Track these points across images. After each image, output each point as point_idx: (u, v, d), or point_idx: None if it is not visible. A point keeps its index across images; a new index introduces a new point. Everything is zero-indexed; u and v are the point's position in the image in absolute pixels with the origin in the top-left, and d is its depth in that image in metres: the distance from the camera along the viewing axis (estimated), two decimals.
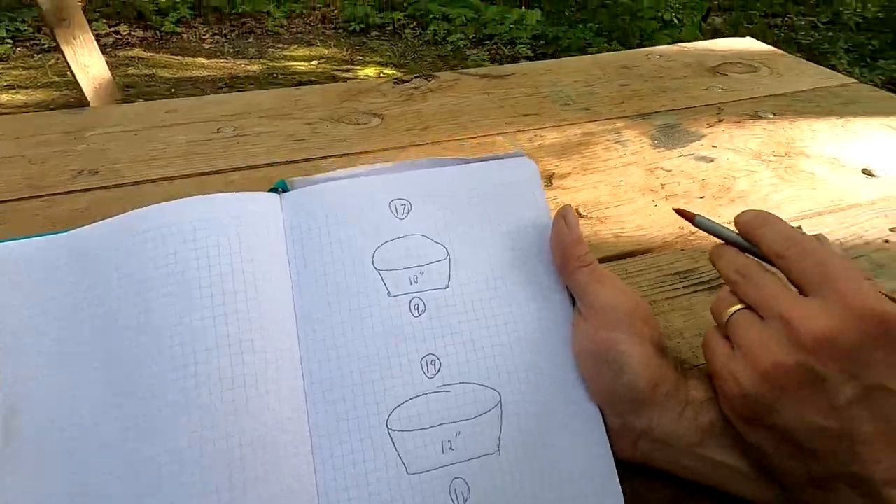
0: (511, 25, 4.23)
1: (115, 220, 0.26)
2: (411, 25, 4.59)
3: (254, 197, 0.27)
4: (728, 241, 0.27)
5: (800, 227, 0.27)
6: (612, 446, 0.25)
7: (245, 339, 0.23)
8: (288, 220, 0.27)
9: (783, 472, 0.22)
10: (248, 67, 3.69)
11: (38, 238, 0.26)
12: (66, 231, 0.26)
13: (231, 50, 4.03)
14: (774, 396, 0.21)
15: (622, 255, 0.42)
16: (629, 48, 4.08)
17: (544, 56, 4.08)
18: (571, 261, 0.26)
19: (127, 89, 3.11)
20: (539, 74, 0.74)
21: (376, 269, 0.26)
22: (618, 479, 0.25)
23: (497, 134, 0.58)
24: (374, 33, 4.56)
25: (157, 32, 4.23)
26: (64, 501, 0.22)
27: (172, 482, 0.21)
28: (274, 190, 0.28)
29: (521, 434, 0.25)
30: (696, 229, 0.32)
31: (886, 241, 0.42)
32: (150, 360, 0.23)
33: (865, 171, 0.51)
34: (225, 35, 4.36)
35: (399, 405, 0.24)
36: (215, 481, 0.21)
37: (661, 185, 0.49)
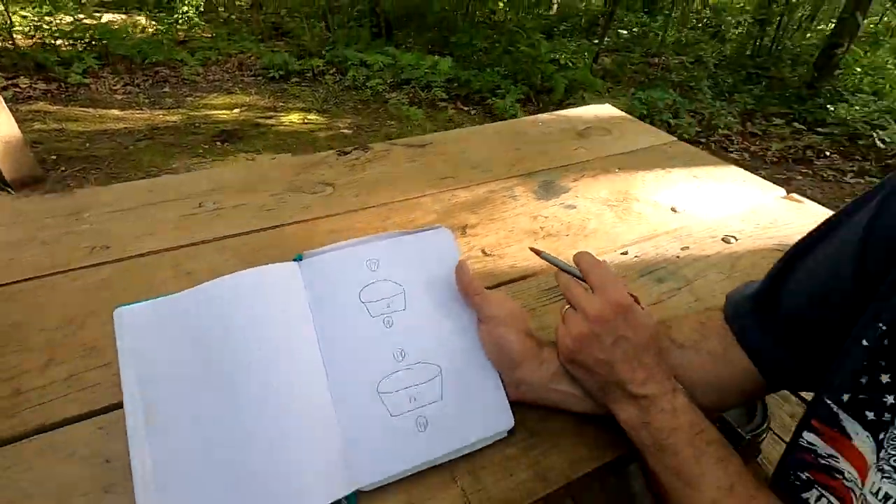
0: (426, 70, 4.56)
1: (204, 288, 0.41)
2: (331, 72, 4.79)
3: (284, 266, 0.43)
4: (561, 269, 0.47)
5: (604, 260, 0.48)
6: (505, 390, 0.44)
7: (293, 349, 0.40)
8: (306, 279, 0.43)
9: (588, 387, 0.42)
10: (167, 118, 3.67)
11: (149, 301, 0.40)
12: (170, 295, 0.41)
13: (146, 100, 3.98)
14: (578, 348, 0.40)
15: (515, 280, 0.61)
16: (532, 88, 4.51)
17: (458, 97, 4.43)
18: (468, 292, 0.45)
19: (35, 146, 3.00)
20: (452, 143, 0.95)
21: (362, 302, 0.43)
22: (510, 407, 0.43)
23: (423, 195, 0.77)
24: (294, 80, 4.70)
25: (63, 84, 4.09)
26: (185, 456, 0.36)
27: (257, 439, 0.37)
28: (296, 258, 0.44)
29: (454, 388, 0.42)
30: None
31: (677, 257, 0.66)
32: (236, 377, 0.38)
33: (672, 209, 0.76)
34: (138, 85, 4.30)
35: (383, 378, 0.41)
36: (280, 427, 0.37)
37: (541, 227, 0.71)
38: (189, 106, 3.95)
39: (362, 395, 0.41)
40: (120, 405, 0.43)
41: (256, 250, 0.63)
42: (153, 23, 5.96)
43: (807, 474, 0.38)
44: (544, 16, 7.71)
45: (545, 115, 1.09)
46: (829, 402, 0.36)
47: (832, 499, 0.36)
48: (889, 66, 5.16)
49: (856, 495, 0.34)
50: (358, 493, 0.38)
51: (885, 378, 0.33)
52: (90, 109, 3.75)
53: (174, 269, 0.59)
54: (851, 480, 0.35)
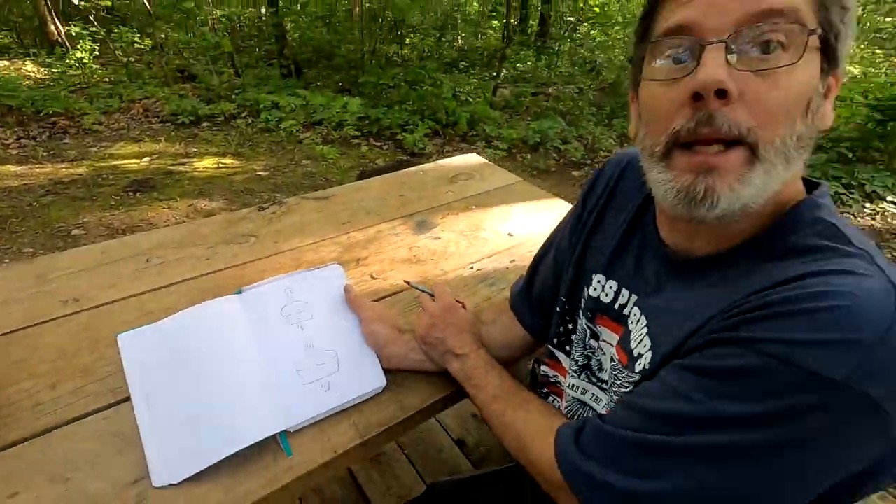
0: (338, 110, 4.82)
1: (176, 316, 0.63)
2: (242, 115, 4.90)
3: (229, 298, 0.66)
4: (420, 290, 0.73)
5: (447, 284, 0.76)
6: (380, 362, 0.70)
7: (241, 348, 0.63)
8: (245, 305, 0.67)
9: (432, 356, 0.69)
10: (72, 171, 3.61)
11: (141, 328, 0.62)
12: (152, 324, 0.62)
13: (46, 153, 3.87)
14: (426, 332, 0.67)
15: (393, 294, 0.88)
16: (439, 123, 4.89)
17: (370, 134, 4.73)
18: (352, 304, 0.71)
19: None
20: (352, 193, 1.21)
21: (283, 315, 0.68)
22: (383, 373, 0.69)
23: (326, 238, 1.02)
24: (205, 124, 4.75)
25: None
26: (174, 421, 0.58)
27: (216, 418, 0.60)
28: (237, 292, 0.68)
29: (346, 363, 0.68)
30: (426, 278, 0.80)
31: (506, 268, 0.96)
32: (205, 370, 0.61)
33: (509, 234, 1.07)
34: (34, 137, 4.15)
35: (300, 359, 0.66)
36: (235, 396, 0.60)
37: (414, 256, 0.98)
38: (94, 157, 3.90)
39: (287, 372, 0.65)
40: (115, 404, 0.64)
41: (203, 291, 0.84)
42: (43, 70, 5.73)
43: (545, 389, 0.67)
44: (446, 55, 8.30)
45: (427, 165, 1.39)
46: (549, 346, 0.66)
47: (557, 399, 0.65)
48: None
49: (561, 388, 0.64)
50: (286, 434, 0.62)
51: (567, 322, 0.63)
52: None
53: (138, 310, 0.79)
54: (560, 383, 0.65)
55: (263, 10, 8.11)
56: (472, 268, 0.96)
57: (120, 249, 0.94)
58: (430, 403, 0.68)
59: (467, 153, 1.52)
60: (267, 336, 0.66)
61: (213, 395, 0.60)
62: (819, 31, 0.39)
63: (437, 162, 1.42)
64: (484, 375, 0.63)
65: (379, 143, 4.60)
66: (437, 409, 0.69)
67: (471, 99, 5.41)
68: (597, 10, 8.38)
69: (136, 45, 6.79)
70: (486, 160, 1.44)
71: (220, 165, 3.93)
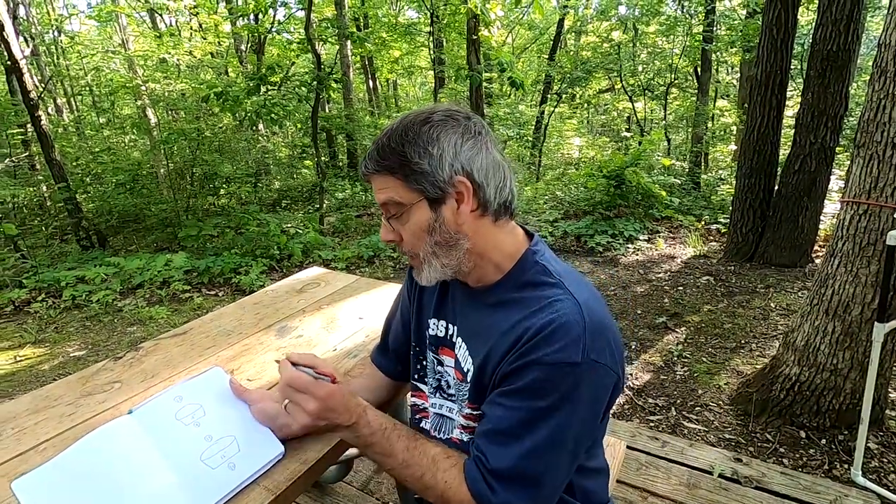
0: (161, 269, 4.60)
1: (72, 448, 0.68)
2: (39, 298, 4.33)
3: (123, 418, 0.74)
4: (298, 366, 0.87)
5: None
6: (276, 433, 0.82)
7: (145, 459, 0.70)
8: (140, 421, 0.74)
9: (325, 429, 0.81)
10: None
11: (36, 469, 0.65)
12: (45, 463, 0.66)
13: None
14: (317, 417, 0.74)
15: (272, 386, 1.00)
16: (272, 258, 4.96)
17: (202, 284, 4.57)
18: (239, 392, 0.84)
19: None
20: (208, 322, 1.31)
21: (177, 419, 0.77)
22: (279, 441, 0.81)
23: (195, 364, 1.10)
24: None
25: None
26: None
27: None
28: (129, 412, 0.75)
29: (245, 442, 0.78)
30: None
31: (363, 342, 1.16)
32: (114, 486, 0.67)
33: (360, 318, 1.29)
34: None
35: (202, 451, 0.74)
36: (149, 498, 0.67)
37: (282, 355, 1.13)
38: None
39: (193, 465, 0.73)
40: None
41: (77, 438, 0.86)
42: None
43: (417, 416, 0.87)
44: (266, 197, 8.58)
45: (274, 285, 1.56)
46: (412, 381, 0.87)
47: (425, 419, 0.85)
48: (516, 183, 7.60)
49: (426, 410, 0.85)
50: None
51: (421, 359, 0.86)
52: None
53: (7, 477, 0.78)
54: (426, 408, 0.85)
55: (45, 188, 7.49)
56: (335, 349, 1.14)
57: None
58: (327, 452, 0.82)
59: None
60: (167, 441, 0.74)
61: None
62: (414, 198, 0.69)
63: (282, 281, 1.60)
64: (386, 442, 0.72)
65: (213, 292, 4.47)
66: (335, 455, 0.83)
67: (300, 231, 5.66)
68: None
69: None
70: (327, 270, 1.67)
71: (18, 359, 3.38)
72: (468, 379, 0.75)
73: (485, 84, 7.65)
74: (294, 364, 0.76)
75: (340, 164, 10.46)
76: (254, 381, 1.02)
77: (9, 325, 3.97)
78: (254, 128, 8.50)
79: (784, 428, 2.02)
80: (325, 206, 6.89)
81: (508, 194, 0.73)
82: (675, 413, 2.25)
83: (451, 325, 0.81)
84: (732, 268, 4.04)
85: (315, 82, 6.02)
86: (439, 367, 0.83)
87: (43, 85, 9.32)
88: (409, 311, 0.88)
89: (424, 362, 0.85)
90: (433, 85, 10.32)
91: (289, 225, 5.84)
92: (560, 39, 10.92)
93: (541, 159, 9.83)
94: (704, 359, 2.71)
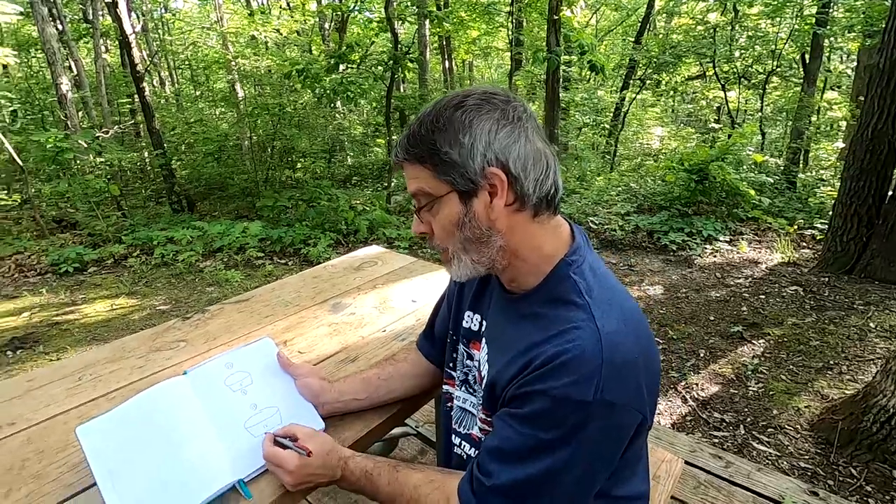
0: (238, 235, 4.91)
1: (131, 400, 0.73)
2: (135, 254, 4.78)
3: (178, 378, 0.77)
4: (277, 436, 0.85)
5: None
6: (318, 410, 0.83)
7: (194, 419, 0.74)
8: (192, 382, 0.78)
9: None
10: None
11: (98, 417, 0.70)
12: (108, 412, 0.71)
13: None
14: (300, 481, 0.70)
15: (321, 361, 1.02)
16: (340, 233, 5.13)
17: (273, 253, 4.83)
18: (286, 366, 0.86)
19: None
20: (270, 292, 1.36)
21: (226, 385, 0.80)
22: (321, 418, 0.82)
23: (253, 331, 1.15)
24: (92, 270, 4.54)
25: None
26: (147, 496, 0.66)
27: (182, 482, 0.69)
28: (184, 373, 0.79)
29: (288, 415, 0.80)
30: (347, 345, 0.96)
31: (413, 325, 1.15)
32: (163, 441, 0.71)
33: (413, 300, 1.28)
34: None
35: (247, 419, 0.77)
36: (195, 458, 0.70)
37: (334, 331, 1.14)
38: None
39: (237, 432, 0.76)
40: (72, 496, 0.70)
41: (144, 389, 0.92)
42: None
43: (448, 403, 0.84)
44: (338, 172, 8.88)
45: (334, 260, 1.59)
46: (447, 369, 0.84)
47: (454, 406, 0.82)
48: (588, 172, 7.31)
49: (453, 398, 0.82)
50: (244, 482, 0.72)
51: (454, 349, 0.82)
52: None
53: (80, 419, 0.85)
54: (451, 393, 0.83)
55: (146, 154, 8.21)
56: (384, 330, 1.14)
57: (46, 376, 0.99)
58: (365, 434, 0.82)
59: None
60: (215, 405, 0.77)
61: (174, 463, 0.69)
62: (443, 190, 0.63)
63: (341, 257, 1.63)
64: (370, 484, 0.71)
65: (283, 261, 4.71)
66: (372, 438, 0.83)
67: (367, 208, 5.80)
68: None
69: (1, 202, 6.43)
70: (385, 249, 1.68)
71: (115, 307, 3.76)
72: (484, 384, 0.72)
73: (563, 67, 7.36)
74: (276, 436, 0.74)
75: None
76: (304, 354, 1.05)
77: (109, 276, 4.42)
78: (331, 105, 8.77)
79: (873, 465, 1.80)
80: (392, 184, 7.01)
81: (551, 187, 0.65)
82: (743, 432, 2.08)
83: (483, 322, 0.78)
84: (827, 279, 3.64)
85: (391, 61, 6.07)
86: (468, 361, 0.80)
87: (149, 59, 10.15)
88: (452, 300, 0.85)
89: (455, 353, 0.83)
90: (509, 67, 10.08)
91: (357, 201, 6.00)
92: (649, 21, 10.23)
93: (617, 148, 9.36)
94: (784, 376, 2.47)
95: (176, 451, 0.70)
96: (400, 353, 0.93)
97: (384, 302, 1.28)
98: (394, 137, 8.32)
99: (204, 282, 4.22)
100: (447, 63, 12.59)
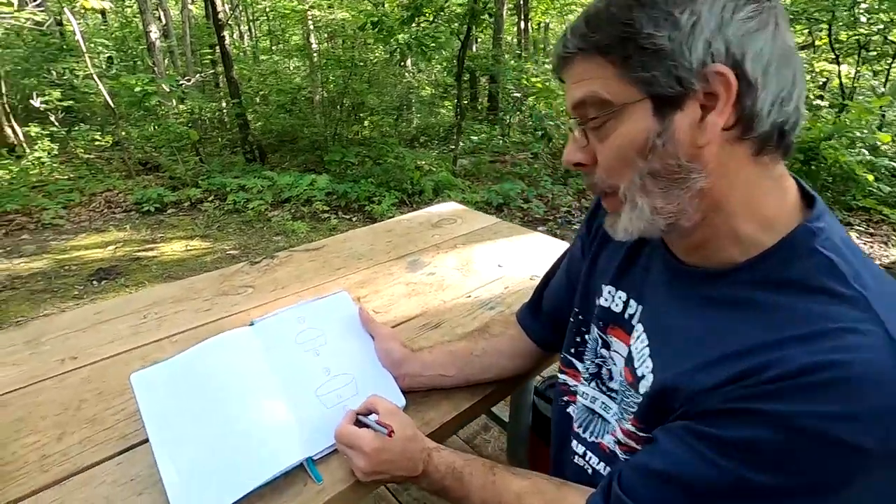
0: (305, 188, 4.94)
1: (191, 351, 0.63)
2: (209, 199, 4.94)
3: (243, 329, 0.67)
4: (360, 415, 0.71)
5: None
6: (398, 383, 0.70)
7: (259, 379, 0.63)
8: (259, 335, 0.67)
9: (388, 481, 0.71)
10: (31, 265, 3.48)
11: (155, 365, 0.61)
12: (165, 360, 0.62)
13: (2, 251, 3.73)
14: (368, 474, 0.58)
15: (398, 324, 0.90)
16: (404, 192, 5.05)
17: (338, 207, 4.83)
18: (368, 323, 0.73)
19: None
20: (341, 243, 1.25)
21: (298, 343, 0.68)
22: (401, 392, 0.70)
23: (324, 283, 1.04)
24: (170, 211, 4.75)
25: None
26: (196, 457, 0.57)
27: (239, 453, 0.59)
28: (250, 324, 0.69)
29: (364, 385, 0.68)
30: (427, 308, 0.83)
31: (501, 293, 1.00)
32: (224, 402, 0.61)
33: (498, 265, 1.12)
34: None
35: (319, 386, 0.66)
36: (258, 427, 0.60)
37: (412, 290, 1.01)
38: (55, 250, 3.79)
39: (307, 399, 0.64)
40: (127, 449, 0.62)
41: (207, 337, 0.83)
42: (1, 171, 5.65)
43: (565, 398, 0.68)
44: (405, 131, 8.76)
45: (408, 214, 1.46)
46: (565, 354, 0.67)
47: (571, 402, 0.66)
48: None
49: (576, 394, 0.65)
50: (313, 461, 0.61)
51: (583, 332, 0.66)
52: None
53: (142, 360, 0.78)
54: (574, 387, 0.66)
55: (224, 104, 8.44)
56: (469, 296, 0.99)
57: (114, 309, 0.93)
58: (452, 417, 0.68)
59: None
60: (284, 364, 0.66)
61: (235, 428, 0.59)
62: (630, 95, 0.43)
63: (417, 212, 1.49)
64: (458, 484, 0.58)
65: (348, 216, 4.69)
66: (459, 423, 0.70)
67: (433, 169, 5.66)
68: (539, 85, 9.15)
69: (97, 143, 6.87)
70: (464, 206, 1.52)
71: (189, 248, 3.90)
72: (641, 390, 0.52)
73: None
74: (358, 415, 0.62)
75: (480, 106, 10.22)
76: (379, 314, 0.93)
77: (185, 218, 4.60)
78: (401, 63, 8.57)
79: None
80: (460, 147, 6.80)
81: (793, 114, 0.44)
82: None
83: (634, 303, 0.58)
84: None
85: (469, 15, 5.75)
86: (604, 351, 0.61)
87: (231, 10, 10.33)
88: (578, 269, 0.67)
89: (586, 337, 0.65)
90: None
91: (423, 162, 5.87)
92: None
93: None
94: None
95: (238, 415, 0.60)
96: (495, 326, 0.77)
97: (467, 264, 1.13)
98: (463, 101, 8.05)
99: (271, 230, 4.28)
100: (523, 24, 11.93)
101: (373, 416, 0.61)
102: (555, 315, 0.71)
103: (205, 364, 0.62)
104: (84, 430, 0.64)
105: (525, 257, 1.17)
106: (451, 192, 5.10)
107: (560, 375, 0.67)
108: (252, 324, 0.69)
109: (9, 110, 6.49)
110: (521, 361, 0.75)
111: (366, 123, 8.01)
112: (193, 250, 3.85)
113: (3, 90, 6.55)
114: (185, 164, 5.51)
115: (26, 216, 4.44)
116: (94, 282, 3.25)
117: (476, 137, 8.30)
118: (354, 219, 4.63)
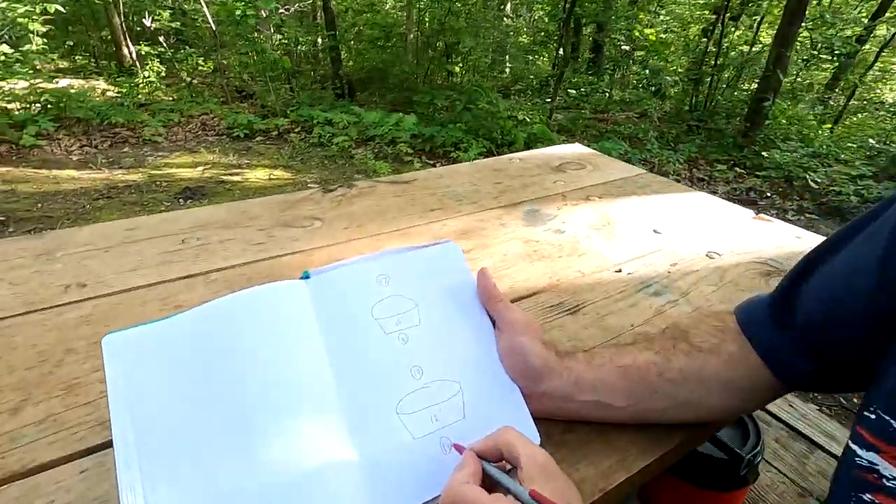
0: (391, 127, 4.71)
1: (200, 310, 0.38)
2: (296, 130, 4.87)
3: (290, 283, 0.41)
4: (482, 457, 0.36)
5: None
6: (528, 404, 0.42)
7: (302, 372, 0.37)
8: (314, 297, 0.41)
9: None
10: (127, 177, 3.59)
11: (142, 326, 0.37)
12: (165, 319, 0.38)
13: (105, 161, 3.89)
14: None
15: (516, 299, 0.61)
16: (493, 142, 4.70)
17: (423, 151, 4.57)
18: (492, 298, 0.45)
19: None
20: (436, 178, 0.96)
21: (375, 318, 0.42)
22: (533, 423, 0.41)
23: (413, 226, 0.77)
24: (258, 138, 4.74)
25: (14, 146, 3.96)
26: (185, 494, 0.32)
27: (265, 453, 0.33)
28: (303, 276, 0.43)
29: (476, 405, 0.40)
30: (558, 280, 0.52)
31: (668, 272, 0.68)
32: (241, 405, 0.35)
33: (654, 230, 0.79)
34: (96, 146, 4.22)
35: (402, 398, 0.39)
36: (292, 458, 0.34)
37: (534, 251, 0.72)
38: (150, 165, 3.89)
39: (381, 417, 0.38)
40: (105, 445, 0.39)
41: (252, 281, 0.60)
42: (114, 87, 5.95)
43: (869, 496, 0.35)
44: (499, 78, 8.21)
45: (520, 154, 1.14)
46: (888, 417, 0.34)
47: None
48: (809, 117, 5.73)
49: (884, 481, 0.33)
50: None
51: None
52: (43, 171, 3.62)
53: (162, 301, 0.56)
54: (881, 472, 0.34)
55: (319, 40, 8.32)
56: (619, 270, 0.68)
57: (150, 227, 0.72)
58: (617, 484, 0.39)
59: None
60: (348, 351, 0.40)
61: (259, 455, 0.34)
62: None
63: (531, 151, 1.17)
64: None
65: (432, 161, 4.43)
66: (631, 484, 0.41)
67: (527, 119, 5.19)
68: (652, 38, 8.13)
69: (200, 68, 7.05)
70: (593, 150, 1.17)
71: (272, 177, 3.84)
72: None
73: None
74: (483, 463, 0.36)
75: (581, 58, 9.32)
76: None
77: (272, 147, 4.57)
78: (501, 6, 7.91)
79: None
80: (557, 100, 6.22)
81: None
82: None
83: None
84: None
85: None
86: None
87: None
88: (883, 290, 0.34)
89: None
90: None
91: (516, 111, 5.41)
92: None
93: (854, 93, 7.19)
94: None
95: (266, 434, 0.35)
96: (699, 330, 0.46)
97: (608, 224, 0.81)
98: (564, 52, 7.29)
99: (353, 168, 4.13)
100: None
101: (504, 474, 0.33)
102: (823, 335, 0.39)
103: (223, 333, 0.37)
104: (54, 401, 0.43)
105: (690, 224, 0.82)
106: (544, 146, 4.66)
107: (858, 450, 0.35)
108: (306, 276, 0.43)
109: (125, 30, 6.77)
110: (739, 398, 0.43)
111: (457, 68, 7.58)
112: (276, 179, 3.80)
113: (122, 11, 6.83)
114: (277, 94, 5.47)
115: (130, 130, 4.61)
116: (181, 199, 3.28)
117: (574, 91, 7.59)
118: (439, 165, 4.35)
